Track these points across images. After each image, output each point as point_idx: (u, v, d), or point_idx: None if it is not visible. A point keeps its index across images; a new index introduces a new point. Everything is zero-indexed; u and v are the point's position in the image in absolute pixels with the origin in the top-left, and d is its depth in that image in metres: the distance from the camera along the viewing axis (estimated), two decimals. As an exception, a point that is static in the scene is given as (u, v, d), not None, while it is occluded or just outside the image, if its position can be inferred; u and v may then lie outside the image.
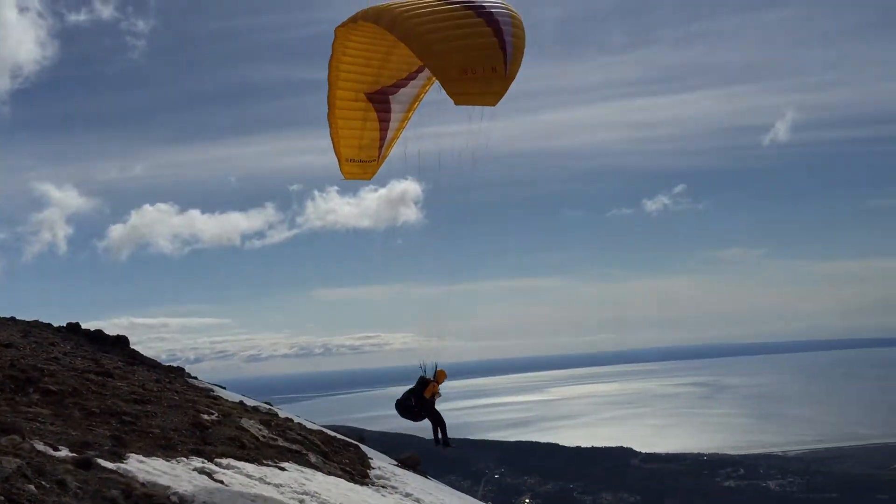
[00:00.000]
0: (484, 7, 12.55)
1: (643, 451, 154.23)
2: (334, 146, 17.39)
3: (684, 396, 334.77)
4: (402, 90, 16.58)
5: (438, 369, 16.41)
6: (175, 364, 28.54)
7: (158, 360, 27.87)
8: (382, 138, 17.38)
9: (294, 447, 19.34)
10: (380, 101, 16.73)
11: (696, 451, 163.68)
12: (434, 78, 16.01)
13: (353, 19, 14.47)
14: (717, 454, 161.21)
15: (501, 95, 12.26)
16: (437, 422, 17.06)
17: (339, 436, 25.74)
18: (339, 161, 17.60)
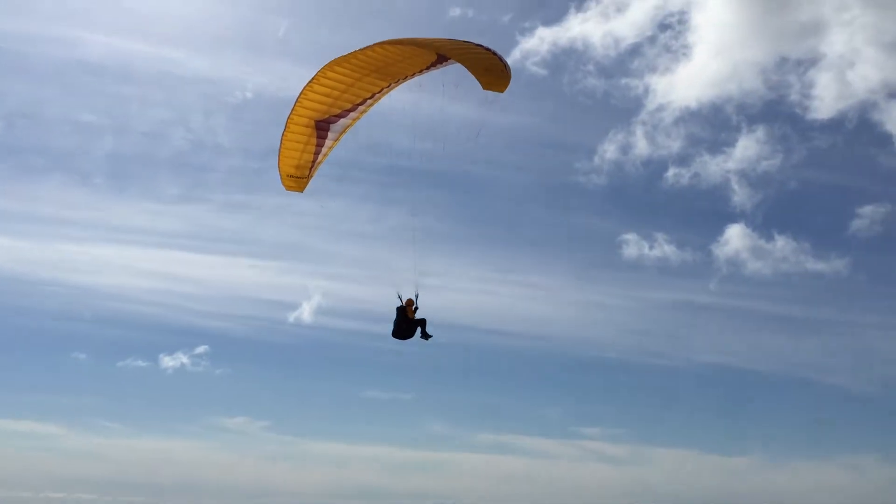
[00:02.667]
0: (472, 41, 20.50)
1: None
2: (279, 162, 22.45)
3: None
4: (341, 120, 22.76)
5: (406, 299, 24.11)
6: None
7: None
8: (313, 161, 23.02)
9: None
10: (322, 128, 22.55)
11: None
12: (359, 116, 22.85)
13: (371, 46, 20.73)
14: None
15: (506, 87, 20.85)
16: (421, 324, 24.16)
17: None
18: (280, 175, 22.63)
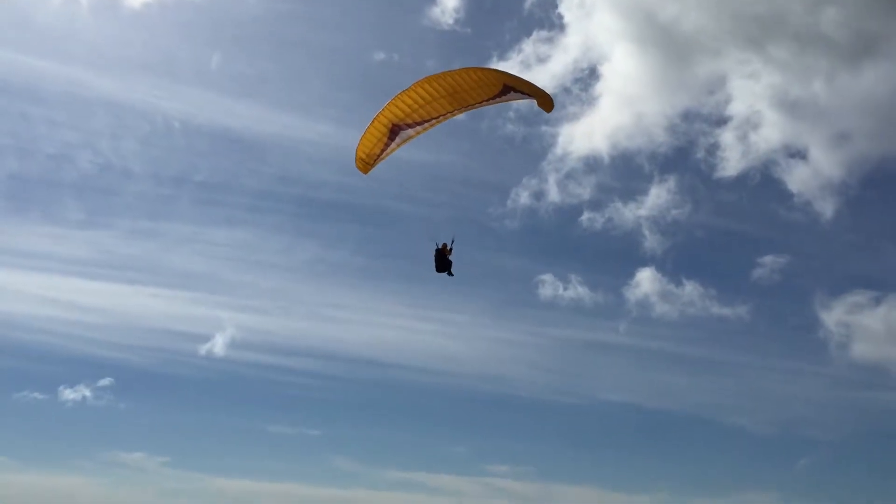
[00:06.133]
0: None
1: None
2: (357, 146, 29.61)
3: None
4: (408, 129, 29.97)
5: (442, 244, 31.91)
6: None
7: None
8: (378, 156, 30.26)
9: None
10: (394, 132, 29.78)
11: None
12: (421, 131, 30.19)
13: (455, 70, 28.27)
14: None
15: (552, 109, 28.97)
16: (449, 265, 32.25)
17: None
18: (356, 156, 29.76)
